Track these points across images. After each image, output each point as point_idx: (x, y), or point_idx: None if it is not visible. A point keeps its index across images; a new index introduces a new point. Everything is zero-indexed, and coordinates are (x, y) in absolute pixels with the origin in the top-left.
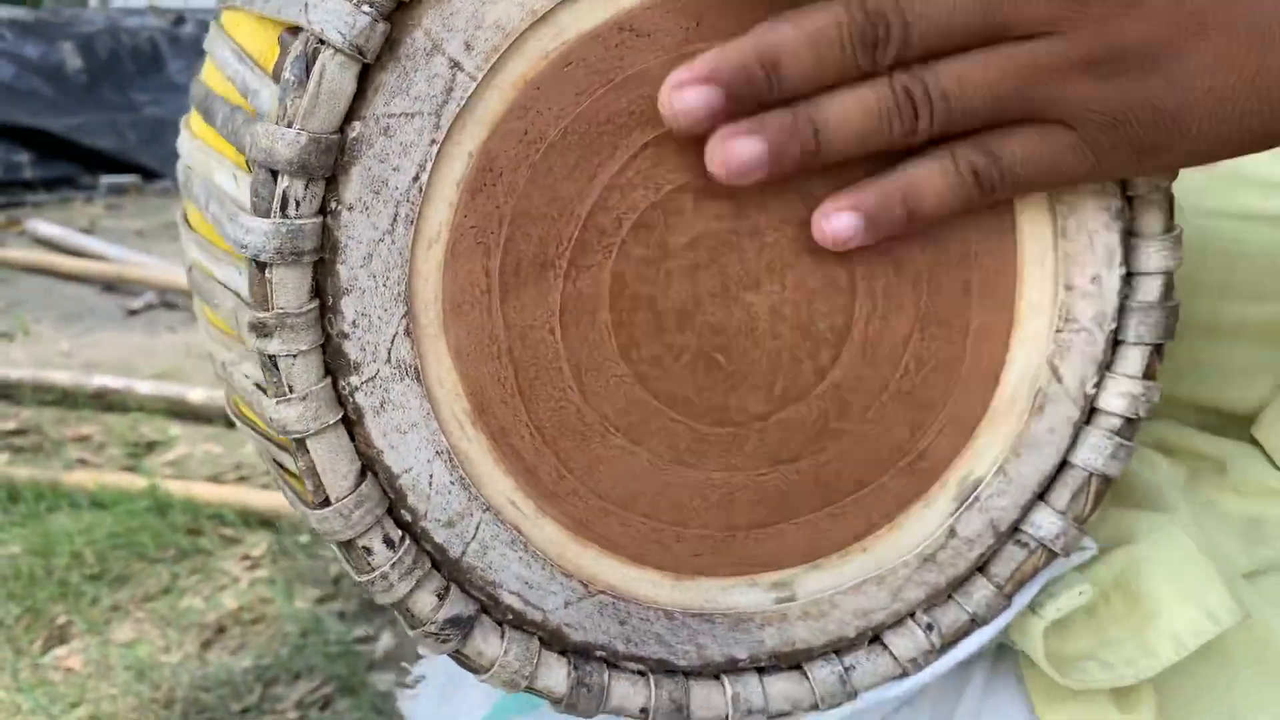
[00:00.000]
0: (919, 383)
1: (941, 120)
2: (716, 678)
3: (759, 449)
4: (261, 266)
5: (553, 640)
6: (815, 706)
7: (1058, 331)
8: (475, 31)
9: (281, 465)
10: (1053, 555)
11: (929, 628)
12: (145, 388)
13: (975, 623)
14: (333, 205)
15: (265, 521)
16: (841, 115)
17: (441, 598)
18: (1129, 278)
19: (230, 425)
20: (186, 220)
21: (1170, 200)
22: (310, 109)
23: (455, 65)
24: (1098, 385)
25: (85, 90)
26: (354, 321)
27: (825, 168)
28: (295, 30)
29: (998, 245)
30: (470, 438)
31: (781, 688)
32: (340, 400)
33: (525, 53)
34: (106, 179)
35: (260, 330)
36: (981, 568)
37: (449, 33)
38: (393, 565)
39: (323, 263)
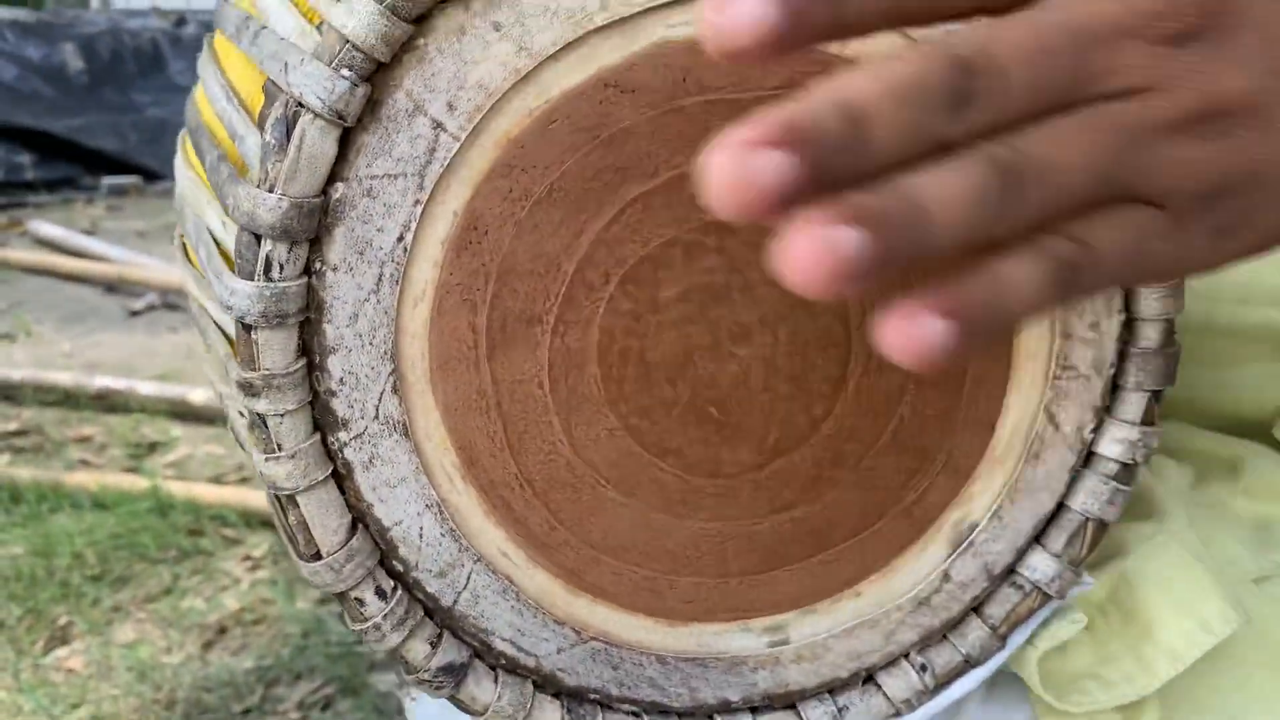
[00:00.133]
0: (914, 431)
1: (1039, 202)
2: (710, 719)
3: (752, 499)
4: (248, 328)
5: (546, 684)
6: None
7: (1055, 378)
8: (457, 92)
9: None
10: (1048, 597)
11: (923, 668)
12: (147, 388)
13: (969, 663)
14: (317, 266)
15: (267, 522)
16: (939, 195)
17: (435, 645)
18: (1129, 323)
19: None
20: (184, 249)
21: None
22: (291, 173)
23: (438, 126)
24: (1095, 430)
25: (87, 91)
26: (341, 379)
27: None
28: (279, 86)
29: None
30: (460, 490)
31: None
32: (329, 455)
33: (509, 111)
34: (108, 180)
35: (248, 390)
36: (976, 609)
37: (431, 93)
38: (385, 616)
39: (309, 322)
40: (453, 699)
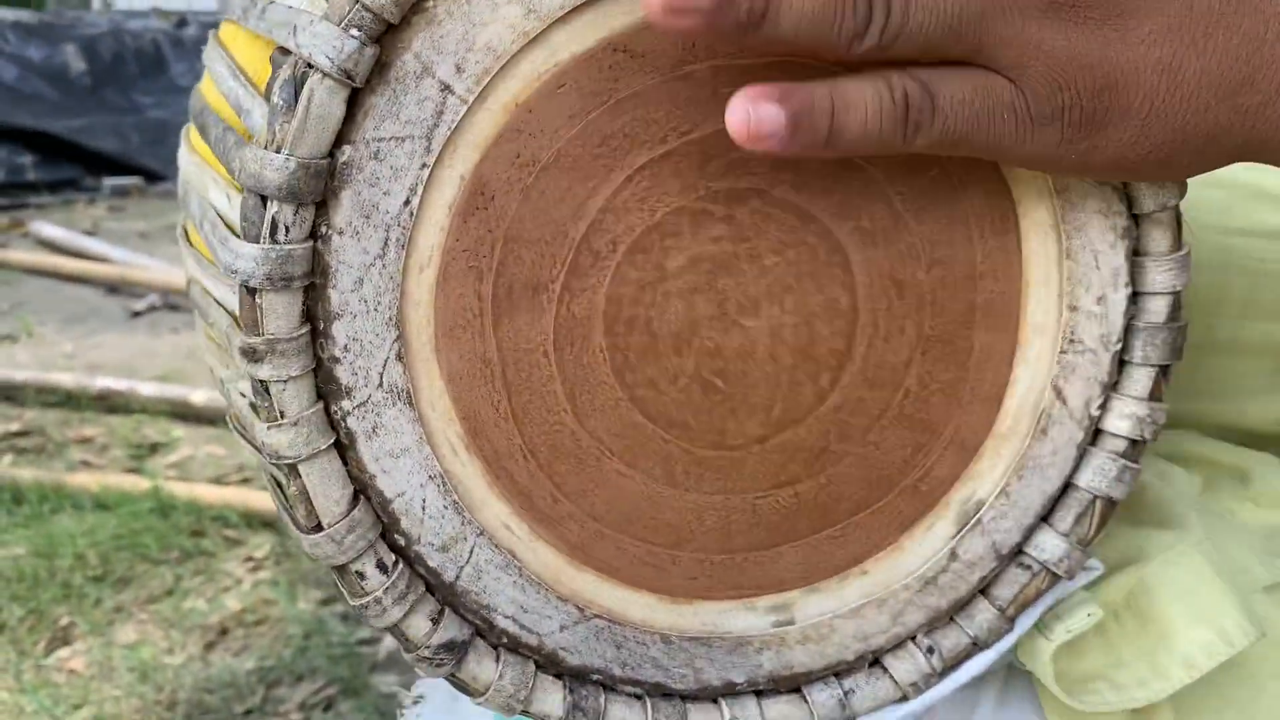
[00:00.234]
0: (921, 405)
1: (892, 31)
2: (714, 701)
3: (757, 472)
4: (251, 292)
5: (548, 664)
6: None
7: (1062, 353)
8: (466, 54)
9: (279, 485)
10: (1056, 578)
11: (930, 651)
12: (148, 389)
13: (977, 646)
14: (323, 230)
15: (268, 523)
16: None
17: (436, 622)
18: (1135, 297)
19: None
20: (186, 234)
21: (1178, 219)
22: (299, 134)
23: (446, 88)
24: (1103, 407)
25: (88, 92)
26: (345, 346)
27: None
28: (286, 51)
29: (1002, 266)
30: (464, 462)
31: (780, 711)
32: (332, 425)
33: (517, 75)
34: (109, 181)
35: (251, 355)
36: (984, 590)
37: (439, 55)
38: (386, 590)
39: (314, 287)
40: (452, 678)
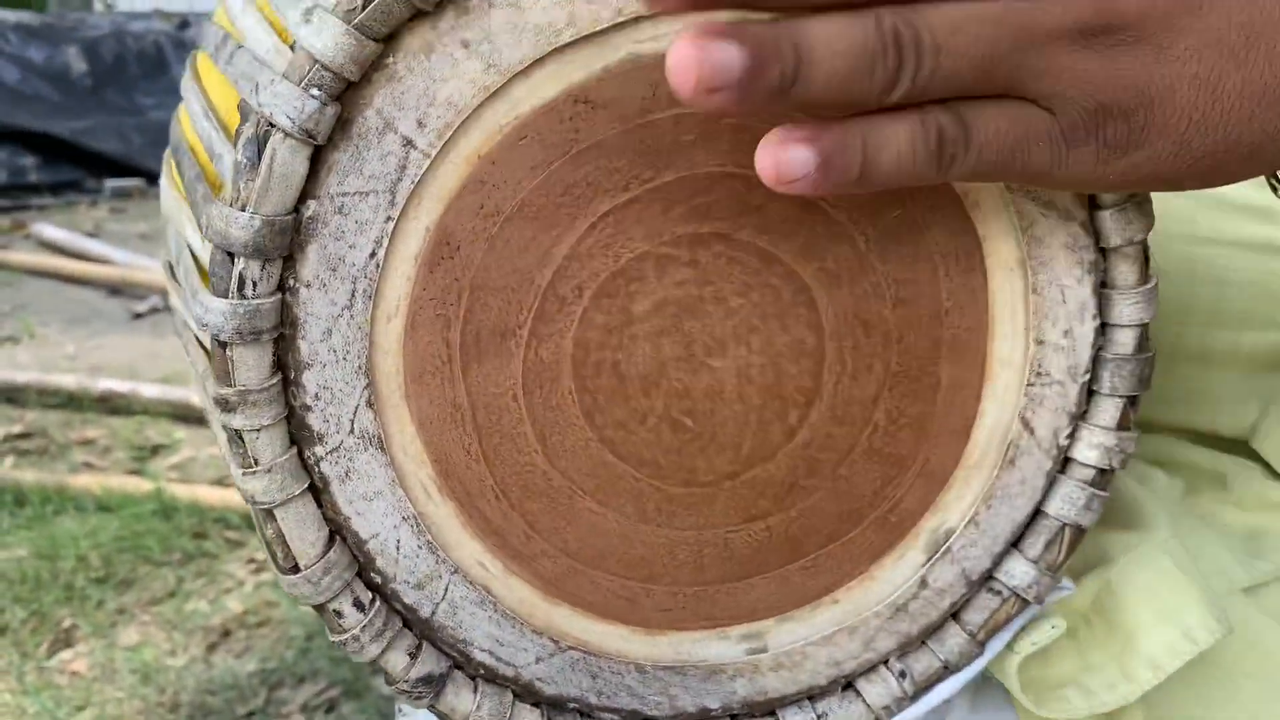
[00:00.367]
0: (889, 439)
1: (924, 78)
2: None
3: (728, 508)
4: (222, 345)
5: (526, 694)
6: None
7: (1029, 385)
8: (427, 109)
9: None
10: (1026, 603)
11: (902, 675)
12: (150, 391)
13: (948, 669)
14: (290, 283)
15: None
16: (826, 45)
17: (414, 656)
18: (1103, 329)
19: None
20: (169, 267)
21: (1145, 253)
22: (263, 192)
23: (408, 143)
24: (1071, 436)
25: (90, 94)
26: (316, 395)
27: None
28: None
29: (968, 303)
30: (437, 503)
31: None
32: (306, 469)
33: (479, 128)
34: (111, 182)
35: (224, 406)
36: (955, 615)
37: (400, 111)
38: (363, 628)
39: (283, 338)
40: (432, 709)
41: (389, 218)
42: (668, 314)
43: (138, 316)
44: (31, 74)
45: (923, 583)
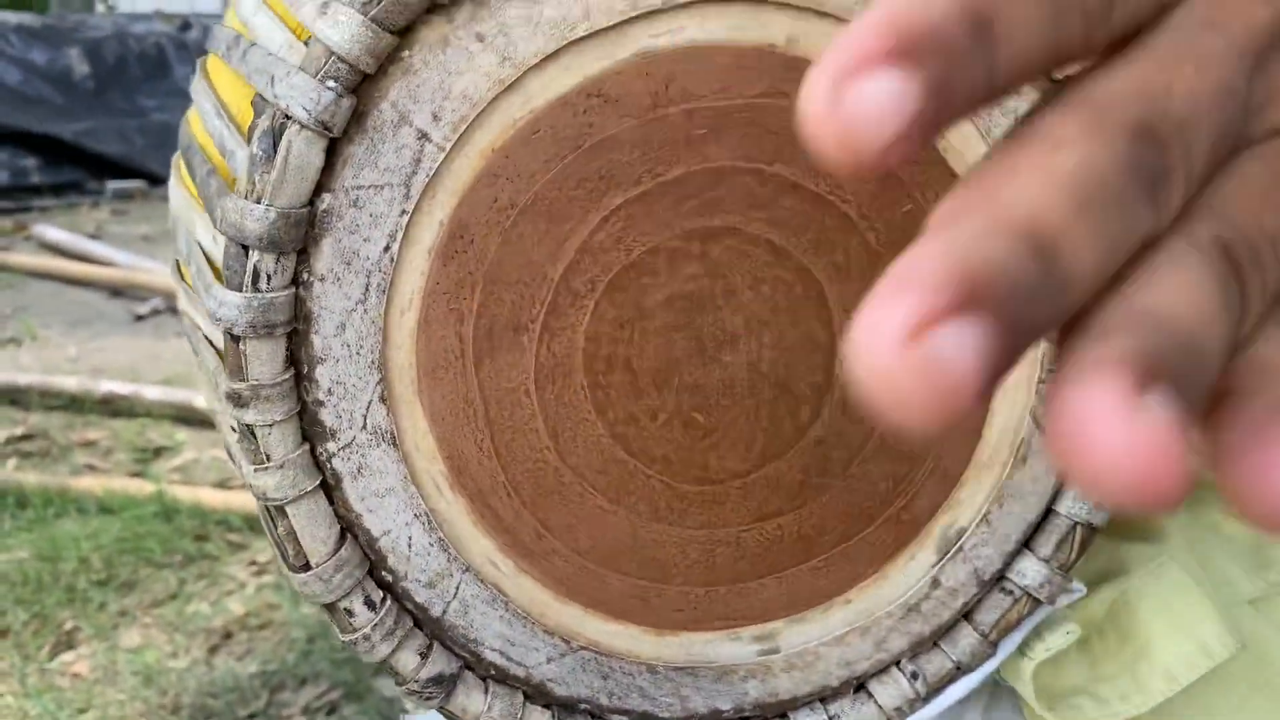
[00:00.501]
0: (900, 437)
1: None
2: None
3: (740, 506)
4: (236, 339)
5: (537, 694)
6: None
7: (1040, 382)
8: (442, 102)
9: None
10: (1038, 603)
11: (914, 676)
12: (152, 393)
13: (960, 670)
14: (305, 276)
15: None
16: (1190, 312)
17: (424, 656)
18: None
19: None
20: (177, 267)
21: None
22: (278, 184)
23: (423, 136)
24: None
25: (92, 96)
26: (329, 390)
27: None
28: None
29: None
30: (449, 500)
31: None
32: (318, 465)
33: (493, 121)
34: (113, 184)
35: (236, 400)
36: (966, 615)
37: (415, 104)
38: (374, 626)
39: (297, 333)
40: (443, 710)
41: (403, 211)
42: (679, 308)
43: (140, 318)
44: (33, 76)
45: (935, 582)
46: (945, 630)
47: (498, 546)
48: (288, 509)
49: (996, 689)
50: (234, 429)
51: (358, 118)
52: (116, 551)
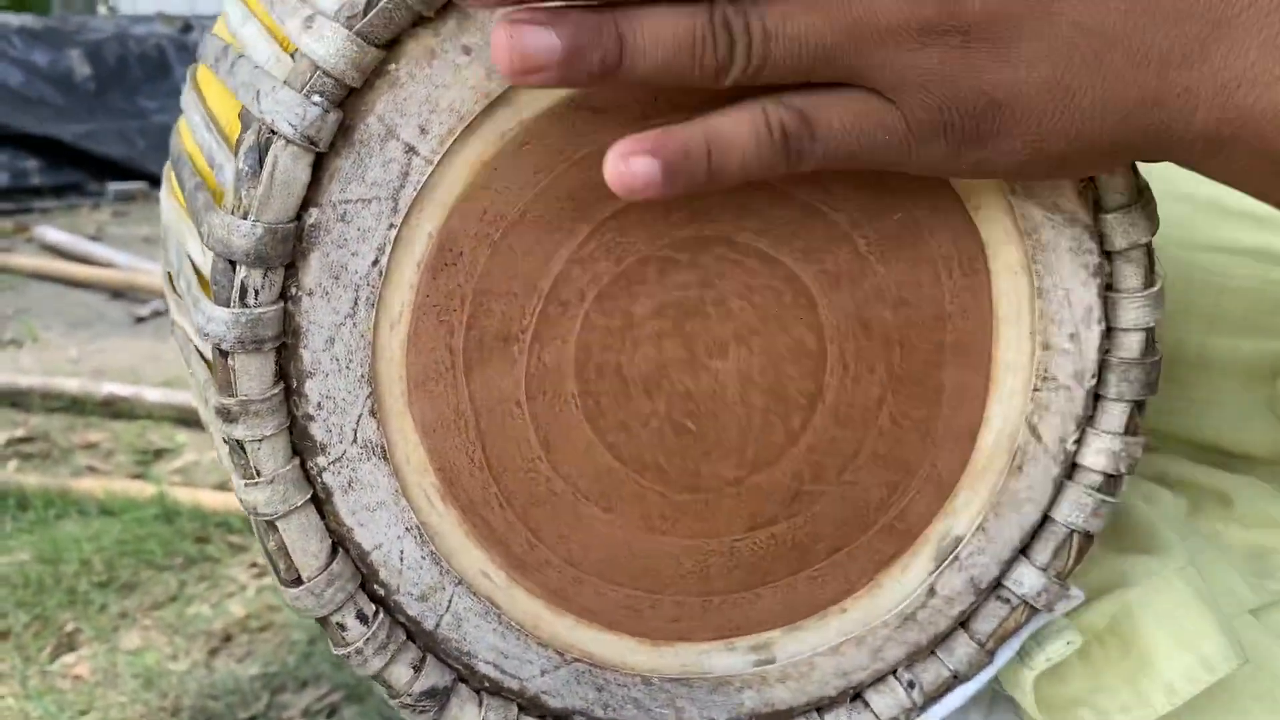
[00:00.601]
0: (894, 444)
1: (757, 62)
2: None
3: (733, 514)
4: (224, 354)
5: (531, 707)
6: None
7: (1035, 390)
8: (429, 115)
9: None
10: (1035, 611)
11: (911, 685)
12: (153, 395)
13: (958, 679)
14: (293, 291)
15: None
16: (654, 32)
17: (417, 670)
18: (1109, 333)
19: None
20: (169, 278)
21: (1150, 256)
22: (265, 200)
23: (410, 150)
24: (1078, 442)
25: (93, 97)
26: (319, 404)
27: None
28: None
29: (971, 306)
30: (440, 512)
31: None
32: (309, 479)
33: (481, 134)
34: (114, 186)
35: (225, 416)
36: (963, 624)
37: (402, 118)
38: (366, 641)
39: (286, 347)
40: None
41: (391, 225)
42: (669, 316)
43: (140, 320)
44: (35, 77)
45: (931, 591)
46: (942, 639)
47: (490, 558)
48: (278, 524)
49: (995, 697)
50: (225, 442)
51: (344, 131)
52: (117, 553)
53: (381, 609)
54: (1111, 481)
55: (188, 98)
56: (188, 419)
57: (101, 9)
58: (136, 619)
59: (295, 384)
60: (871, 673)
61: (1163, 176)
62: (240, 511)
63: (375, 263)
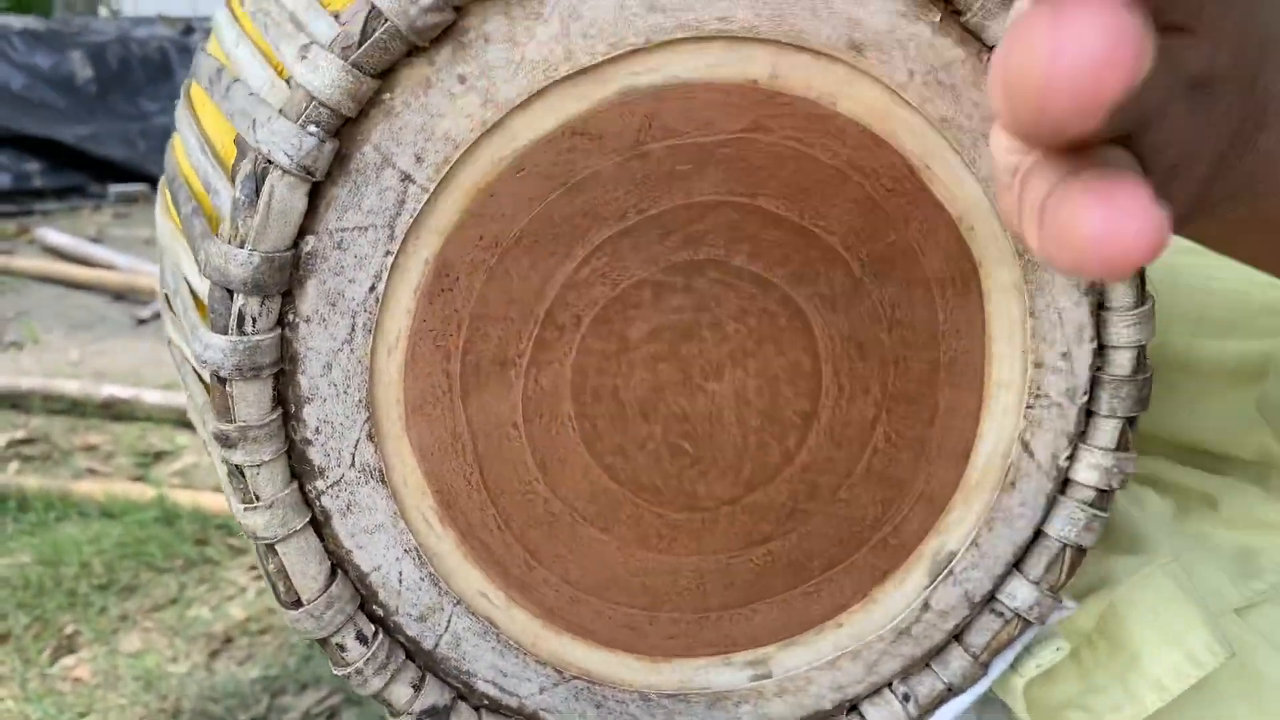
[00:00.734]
0: (889, 462)
1: None
2: None
3: (729, 532)
4: (222, 381)
5: None
6: None
7: (1028, 408)
8: (425, 144)
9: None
10: (1028, 624)
11: (906, 698)
12: (154, 397)
13: (952, 691)
14: (290, 318)
15: None
16: None
17: (417, 689)
18: (1100, 350)
19: None
20: (167, 301)
21: (1141, 274)
22: (262, 229)
23: (406, 178)
24: (1070, 458)
25: (95, 99)
26: (317, 429)
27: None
28: None
29: (965, 326)
30: (438, 534)
31: None
32: (307, 503)
33: (477, 161)
34: (115, 188)
35: (224, 441)
36: (957, 637)
37: (398, 146)
38: (366, 661)
39: (283, 373)
40: None
41: (388, 252)
42: (665, 339)
43: (141, 322)
44: (36, 79)
45: (925, 605)
46: (936, 652)
47: (488, 579)
48: (278, 547)
49: (987, 700)
50: (222, 462)
51: (340, 160)
52: (117, 556)
53: (381, 629)
54: (1104, 496)
55: (182, 116)
56: (188, 421)
57: (103, 11)
58: (137, 621)
59: (293, 409)
60: (867, 686)
61: None
62: None
63: (372, 289)
